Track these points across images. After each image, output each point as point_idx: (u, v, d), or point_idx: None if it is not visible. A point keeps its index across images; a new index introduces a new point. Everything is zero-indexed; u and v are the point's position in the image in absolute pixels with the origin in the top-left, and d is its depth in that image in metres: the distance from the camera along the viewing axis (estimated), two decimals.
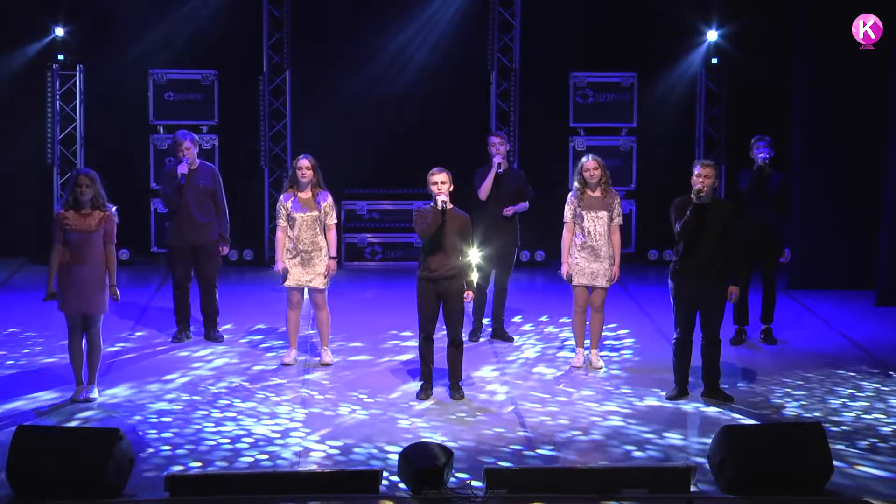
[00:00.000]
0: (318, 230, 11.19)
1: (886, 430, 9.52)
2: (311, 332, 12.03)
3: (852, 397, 10.39)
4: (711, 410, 9.97)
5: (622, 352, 11.86)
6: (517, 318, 13.18)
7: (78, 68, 16.70)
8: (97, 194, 9.91)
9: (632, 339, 12.36)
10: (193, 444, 9.01)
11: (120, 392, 10.37)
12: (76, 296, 9.88)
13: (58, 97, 16.73)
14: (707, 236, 9.96)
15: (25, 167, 16.77)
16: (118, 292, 10.02)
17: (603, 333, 11.53)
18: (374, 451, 8.91)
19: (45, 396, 10.25)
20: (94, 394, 10.08)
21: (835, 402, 10.24)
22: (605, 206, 11.08)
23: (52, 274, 9.91)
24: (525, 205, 12.24)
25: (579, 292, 11.20)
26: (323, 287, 11.25)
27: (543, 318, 13.30)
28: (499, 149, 12.07)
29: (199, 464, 8.64)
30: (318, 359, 11.38)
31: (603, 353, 11.50)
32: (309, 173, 11.15)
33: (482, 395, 10.41)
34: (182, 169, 11.83)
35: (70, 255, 9.87)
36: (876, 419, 9.79)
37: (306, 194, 11.19)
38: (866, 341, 12.43)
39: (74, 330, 10.01)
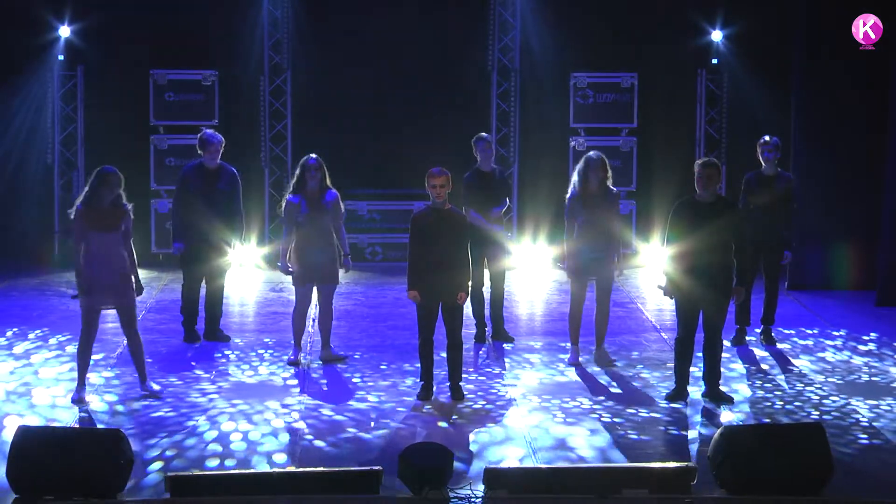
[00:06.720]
0: (327, 229, 11.19)
1: (887, 430, 9.52)
2: (312, 331, 12.04)
3: (853, 398, 10.39)
4: (712, 411, 9.97)
5: (622, 351, 11.87)
6: (517, 318, 13.18)
7: (78, 69, 16.71)
8: (118, 193, 9.97)
9: (632, 339, 12.36)
10: (195, 444, 9.02)
11: (122, 392, 10.38)
12: (105, 291, 9.90)
13: (58, 97, 16.74)
14: (711, 236, 9.93)
15: (26, 167, 16.77)
16: (142, 286, 10.20)
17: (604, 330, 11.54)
18: (375, 451, 8.92)
19: (45, 396, 10.29)
20: (154, 385, 10.26)
21: (835, 403, 10.23)
22: (604, 204, 11.08)
23: (78, 271, 9.93)
24: (503, 204, 12.18)
25: (578, 288, 11.22)
26: (333, 285, 11.27)
27: (544, 318, 13.29)
28: (487, 153, 12.09)
29: (199, 464, 8.64)
30: (320, 359, 11.39)
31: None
32: (318, 174, 11.17)
33: (482, 395, 10.41)
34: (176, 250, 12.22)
35: (93, 252, 9.87)
36: (877, 420, 9.80)
37: (314, 194, 11.19)
38: (866, 342, 12.43)
39: (90, 329, 10.02)
